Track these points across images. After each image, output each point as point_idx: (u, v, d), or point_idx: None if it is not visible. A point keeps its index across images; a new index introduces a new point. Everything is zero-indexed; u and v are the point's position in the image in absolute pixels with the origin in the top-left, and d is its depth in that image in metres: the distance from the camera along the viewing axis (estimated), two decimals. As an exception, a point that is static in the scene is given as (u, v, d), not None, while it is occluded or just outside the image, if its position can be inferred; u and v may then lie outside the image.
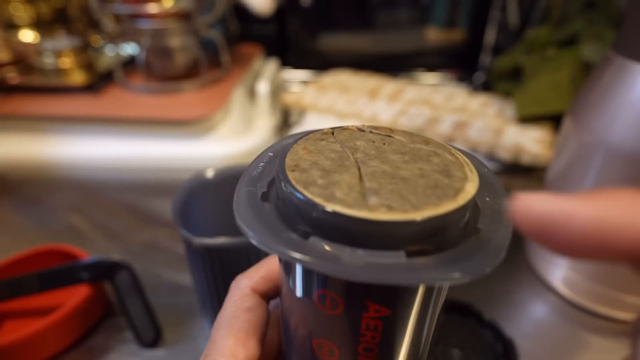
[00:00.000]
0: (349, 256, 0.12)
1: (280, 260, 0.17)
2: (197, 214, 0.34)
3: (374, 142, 0.16)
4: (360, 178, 0.13)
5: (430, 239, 0.12)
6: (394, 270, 0.12)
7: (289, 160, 0.14)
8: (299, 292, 0.15)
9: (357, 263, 0.12)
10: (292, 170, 0.14)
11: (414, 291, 0.14)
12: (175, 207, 0.30)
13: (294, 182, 0.13)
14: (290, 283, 0.16)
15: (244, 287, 0.20)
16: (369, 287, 0.13)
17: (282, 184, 0.14)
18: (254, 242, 0.13)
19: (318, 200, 0.12)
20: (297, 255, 0.12)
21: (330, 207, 0.12)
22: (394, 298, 0.14)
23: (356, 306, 0.14)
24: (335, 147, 0.15)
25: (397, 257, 0.12)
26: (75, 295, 0.33)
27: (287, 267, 0.16)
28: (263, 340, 0.19)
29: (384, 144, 0.16)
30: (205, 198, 0.34)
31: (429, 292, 0.14)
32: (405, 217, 0.12)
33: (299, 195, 0.13)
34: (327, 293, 0.14)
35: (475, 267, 0.12)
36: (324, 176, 0.13)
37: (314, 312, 0.15)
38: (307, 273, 0.15)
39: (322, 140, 0.16)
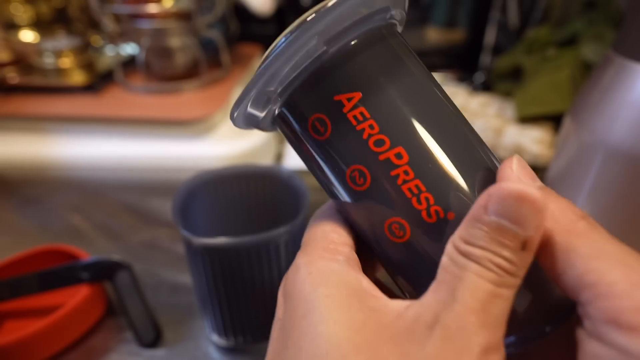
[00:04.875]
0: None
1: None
2: (197, 214, 0.34)
3: None
4: None
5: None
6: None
7: None
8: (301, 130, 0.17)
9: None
10: None
11: (359, 58, 0.16)
12: (175, 207, 0.30)
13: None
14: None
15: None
16: (330, 79, 0.16)
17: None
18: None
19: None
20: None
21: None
22: (350, 76, 0.16)
23: (332, 106, 0.16)
24: None
25: None
26: (75, 295, 0.33)
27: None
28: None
29: None
30: (205, 198, 0.34)
31: (370, 54, 0.16)
32: None
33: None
34: (316, 116, 0.16)
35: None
36: None
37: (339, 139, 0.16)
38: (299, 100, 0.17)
39: None
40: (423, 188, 0.15)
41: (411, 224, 0.15)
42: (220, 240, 0.27)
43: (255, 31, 0.80)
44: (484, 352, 0.12)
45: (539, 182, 0.15)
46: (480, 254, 0.13)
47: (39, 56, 0.61)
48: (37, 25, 0.65)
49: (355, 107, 0.15)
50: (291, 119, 0.17)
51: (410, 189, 0.15)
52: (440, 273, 0.14)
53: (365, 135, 0.15)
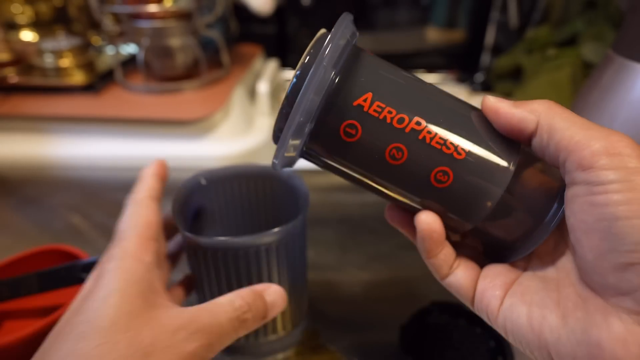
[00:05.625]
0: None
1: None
2: (197, 214, 0.34)
3: None
4: None
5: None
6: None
7: None
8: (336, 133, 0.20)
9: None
10: None
11: (355, 69, 0.20)
12: (175, 207, 0.30)
13: None
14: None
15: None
16: (344, 92, 0.20)
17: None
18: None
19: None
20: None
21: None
22: (357, 83, 0.20)
23: (355, 111, 0.20)
24: None
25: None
26: (75, 295, 0.33)
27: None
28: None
29: None
30: (205, 198, 0.34)
31: (361, 61, 0.21)
32: None
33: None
34: (345, 124, 0.20)
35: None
36: None
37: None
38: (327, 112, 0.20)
39: None
40: (445, 137, 0.20)
41: (450, 166, 0.20)
42: (220, 240, 0.27)
43: (255, 31, 0.80)
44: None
45: (512, 101, 0.20)
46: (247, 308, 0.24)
47: (39, 56, 0.61)
48: (37, 25, 0.65)
49: (372, 103, 0.20)
50: (324, 136, 0.20)
51: (437, 142, 0.20)
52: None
53: (388, 120, 0.20)
